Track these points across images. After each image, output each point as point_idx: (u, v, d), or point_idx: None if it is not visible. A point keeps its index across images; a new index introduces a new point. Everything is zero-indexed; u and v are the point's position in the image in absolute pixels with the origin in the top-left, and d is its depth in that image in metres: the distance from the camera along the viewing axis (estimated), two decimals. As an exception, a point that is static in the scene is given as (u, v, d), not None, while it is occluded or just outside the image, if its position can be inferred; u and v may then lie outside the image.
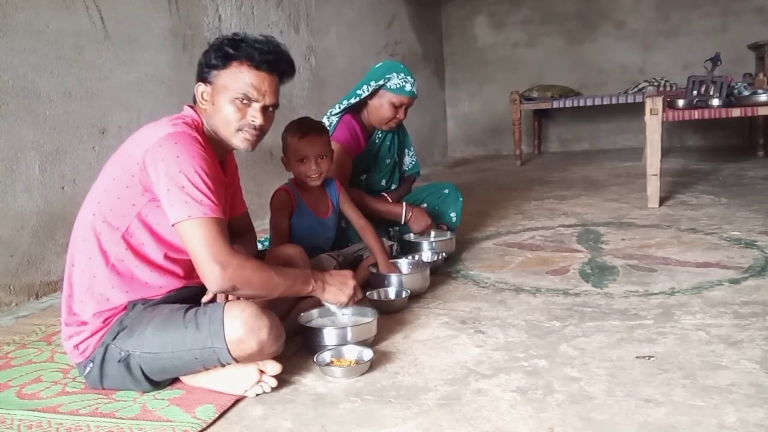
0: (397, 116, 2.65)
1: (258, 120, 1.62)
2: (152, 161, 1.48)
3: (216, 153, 1.65)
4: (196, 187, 1.46)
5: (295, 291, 1.66)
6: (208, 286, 1.51)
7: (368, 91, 2.60)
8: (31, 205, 2.52)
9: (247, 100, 1.61)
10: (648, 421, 1.33)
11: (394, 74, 2.59)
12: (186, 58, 3.33)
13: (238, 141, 1.65)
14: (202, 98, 1.64)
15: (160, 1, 3.19)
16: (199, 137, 1.56)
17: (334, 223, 2.43)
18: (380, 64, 2.72)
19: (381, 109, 2.63)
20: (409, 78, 2.60)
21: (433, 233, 2.82)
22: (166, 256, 1.58)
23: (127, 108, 2.96)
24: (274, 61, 1.62)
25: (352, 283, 1.76)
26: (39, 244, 2.54)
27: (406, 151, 2.98)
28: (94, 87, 2.79)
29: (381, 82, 2.59)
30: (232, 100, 1.60)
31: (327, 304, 1.78)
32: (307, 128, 2.27)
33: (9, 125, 2.43)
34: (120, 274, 1.55)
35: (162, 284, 1.59)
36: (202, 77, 1.64)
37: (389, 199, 2.79)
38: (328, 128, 2.59)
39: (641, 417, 1.34)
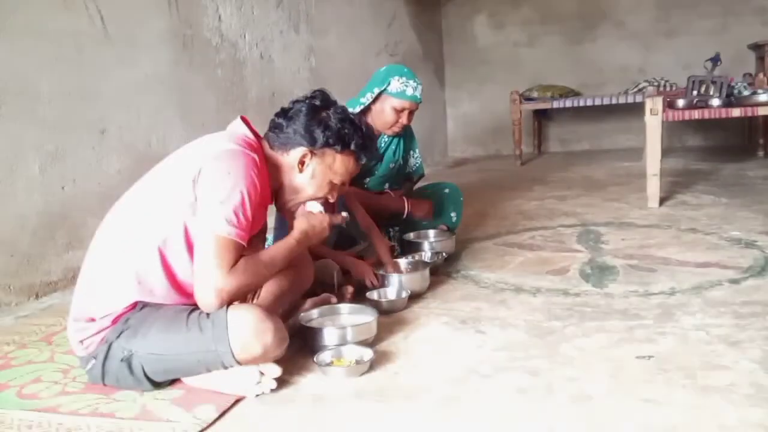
0: (400, 121, 2.60)
1: (333, 197, 1.80)
2: (206, 172, 1.52)
3: (270, 176, 1.69)
4: (234, 208, 1.49)
5: (287, 263, 1.67)
6: (198, 302, 1.51)
7: (371, 98, 2.58)
8: (31, 205, 2.52)
9: (341, 185, 1.78)
10: (648, 421, 1.33)
11: (396, 78, 2.54)
12: (186, 58, 3.34)
13: (294, 206, 1.78)
14: (301, 161, 1.69)
15: (160, 1, 3.19)
16: (257, 160, 1.59)
17: (335, 229, 2.43)
18: (384, 68, 2.68)
19: (383, 113, 2.58)
20: (410, 82, 2.55)
21: (433, 233, 2.82)
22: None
23: (127, 108, 2.96)
24: (370, 158, 1.83)
25: (311, 217, 1.72)
26: (39, 244, 2.54)
27: (411, 153, 2.95)
28: (94, 87, 2.79)
29: (382, 87, 2.56)
30: (330, 182, 1.74)
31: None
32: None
33: (9, 125, 2.43)
34: (141, 283, 1.55)
35: (177, 302, 1.59)
36: (311, 145, 1.67)
37: (391, 194, 2.79)
38: None
39: (641, 417, 1.34)
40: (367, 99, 2.58)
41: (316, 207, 1.91)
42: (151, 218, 1.55)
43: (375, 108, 2.61)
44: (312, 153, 1.69)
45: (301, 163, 1.70)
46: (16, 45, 2.45)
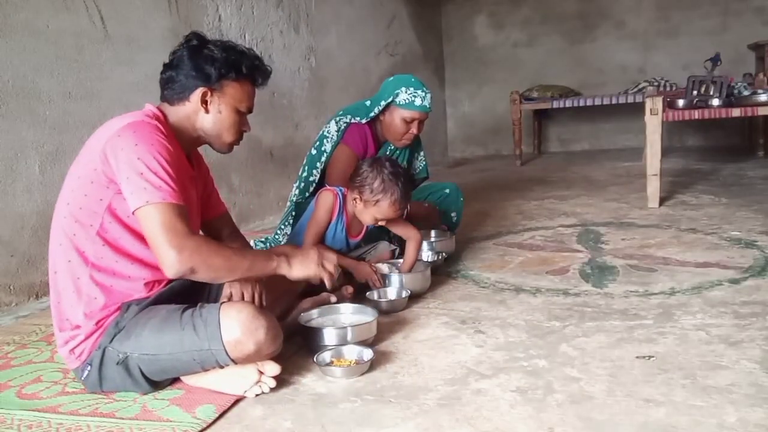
0: (410, 131, 2.60)
1: (248, 127, 1.77)
2: (112, 151, 1.48)
3: (182, 145, 1.66)
4: (155, 173, 1.46)
5: (259, 270, 1.61)
6: (165, 271, 1.47)
7: (379, 110, 2.59)
8: (31, 205, 2.52)
9: (248, 112, 1.73)
10: (648, 421, 1.33)
11: (403, 89, 2.54)
12: (186, 58, 3.33)
13: (225, 147, 1.75)
14: (203, 101, 1.65)
15: (160, 1, 3.19)
16: (160, 126, 1.56)
17: (359, 245, 2.45)
18: (392, 78, 2.66)
19: (393, 125, 2.58)
20: (419, 92, 2.54)
21: (433, 233, 2.82)
22: (144, 247, 1.56)
23: (127, 108, 2.91)
24: (266, 79, 1.75)
25: (313, 254, 1.69)
26: (39, 244, 2.54)
27: (416, 155, 2.95)
28: (94, 87, 2.79)
29: (390, 99, 2.56)
30: (238, 112, 1.70)
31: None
32: (407, 199, 2.25)
33: (9, 125, 2.43)
34: (102, 270, 1.54)
35: (145, 276, 1.58)
36: (207, 82, 1.63)
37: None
38: (338, 131, 2.58)
39: (641, 417, 1.34)
40: (375, 111, 2.58)
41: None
42: (78, 211, 1.53)
43: (385, 120, 2.61)
44: (211, 90, 1.66)
45: (204, 103, 1.65)
46: (16, 45, 2.46)
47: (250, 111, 1.74)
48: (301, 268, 1.66)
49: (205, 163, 1.87)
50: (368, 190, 2.19)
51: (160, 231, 1.44)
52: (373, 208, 2.20)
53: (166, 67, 1.69)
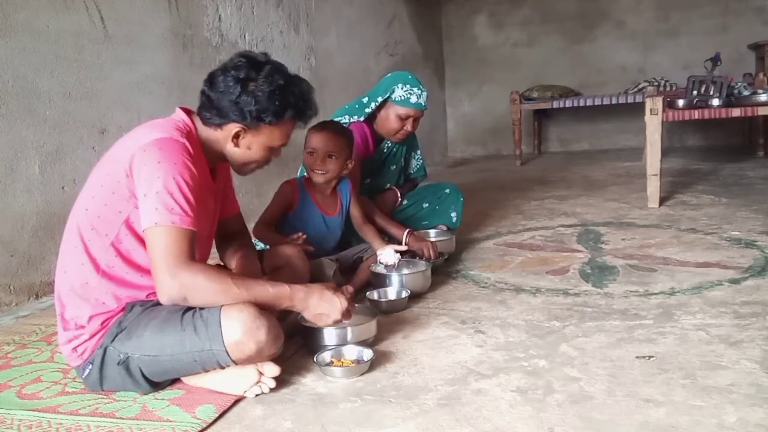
0: (405, 128, 2.61)
1: (279, 155, 1.76)
2: (136, 166, 1.48)
3: (208, 159, 1.65)
4: (171, 195, 1.45)
5: (265, 303, 1.52)
6: (159, 296, 1.46)
7: (375, 106, 2.59)
8: (31, 205, 2.52)
9: (281, 147, 1.72)
10: (648, 421, 1.33)
11: (400, 85, 2.55)
12: (186, 58, 3.33)
13: (242, 173, 1.78)
14: (235, 138, 1.63)
15: (160, 1, 3.19)
16: (188, 144, 1.54)
17: (339, 223, 2.43)
18: (389, 75, 2.68)
19: (388, 121, 2.60)
20: (414, 89, 2.55)
21: (433, 233, 2.82)
22: None
23: (127, 108, 2.96)
24: (309, 120, 1.73)
25: (337, 299, 1.60)
26: (39, 244, 2.54)
27: (413, 154, 2.96)
28: (94, 87, 2.79)
29: (386, 95, 2.57)
30: (269, 149, 1.69)
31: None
32: (325, 125, 2.33)
33: (9, 125, 2.43)
34: (111, 279, 1.55)
35: (154, 286, 1.58)
36: (243, 121, 1.59)
37: (396, 223, 2.65)
38: None
39: (641, 417, 1.34)
40: (371, 107, 2.59)
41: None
42: (96, 219, 1.53)
43: (380, 115, 2.62)
44: (245, 129, 1.62)
45: (236, 137, 1.63)
46: (16, 45, 2.45)
47: (284, 145, 1.72)
48: (314, 309, 1.58)
49: (228, 166, 1.84)
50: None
51: (160, 254, 1.43)
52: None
53: (210, 82, 1.62)
